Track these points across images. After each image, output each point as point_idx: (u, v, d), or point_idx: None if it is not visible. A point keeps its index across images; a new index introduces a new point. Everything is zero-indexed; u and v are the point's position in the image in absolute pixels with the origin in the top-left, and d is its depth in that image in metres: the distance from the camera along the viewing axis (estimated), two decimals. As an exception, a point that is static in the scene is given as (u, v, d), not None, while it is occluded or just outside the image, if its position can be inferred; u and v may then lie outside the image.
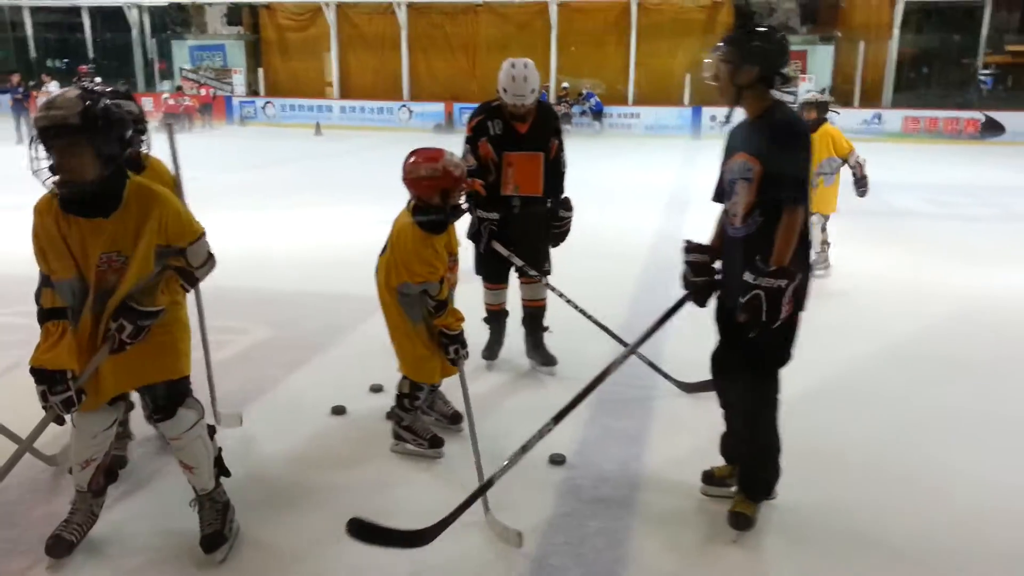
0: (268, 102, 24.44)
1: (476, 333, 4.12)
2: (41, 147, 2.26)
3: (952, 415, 3.84)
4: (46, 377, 2.34)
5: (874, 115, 20.41)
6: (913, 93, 22.70)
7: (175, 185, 3.07)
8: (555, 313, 4.32)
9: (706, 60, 2.77)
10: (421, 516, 2.66)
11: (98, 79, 13.62)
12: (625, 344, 3.94)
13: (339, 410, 3.76)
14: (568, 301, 4.16)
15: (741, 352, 2.72)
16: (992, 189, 12.17)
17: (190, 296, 2.81)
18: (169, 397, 2.58)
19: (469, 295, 3.91)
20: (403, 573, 2.56)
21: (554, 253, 4.31)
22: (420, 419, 3.44)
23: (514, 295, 4.35)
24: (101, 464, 2.63)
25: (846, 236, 7.07)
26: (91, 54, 26.29)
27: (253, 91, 25.45)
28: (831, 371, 4.25)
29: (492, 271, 4.24)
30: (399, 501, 2.99)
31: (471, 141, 4.05)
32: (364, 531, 2.50)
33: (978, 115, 19.96)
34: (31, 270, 2.47)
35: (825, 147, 6.10)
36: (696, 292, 2.82)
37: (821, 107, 6.36)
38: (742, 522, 2.81)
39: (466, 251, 3.54)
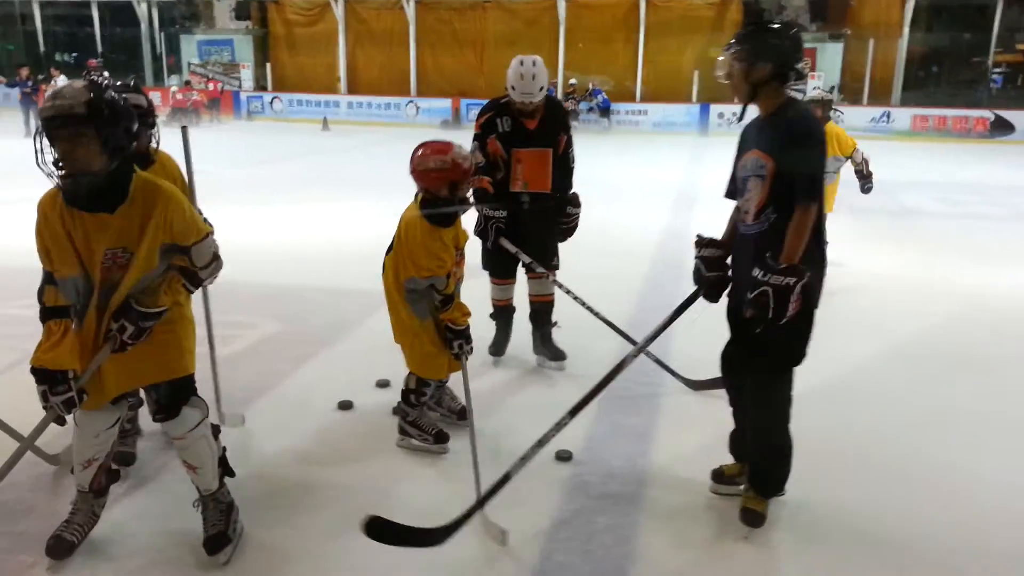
0: (275, 97, 24.46)
1: (483, 328, 4.12)
2: (47, 140, 2.22)
3: (957, 414, 3.82)
4: (47, 377, 2.31)
5: (883, 113, 20.33)
6: (922, 91, 22.58)
7: (186, 186, 3.06)
8: (563, 309, 4.31)
9: (719, 58, 2.74)
10: (425, 512, 2.65)
11: (107, 73, 13.64)
12: (633, 341, 3.93)
13: (346, 405, 3.76)
14: (575, 298, 4.14)
15: (750, 349, 2.70)
16: (1002, 188, 12.10)
17: (197, 291, 2.75)
18: (173, 396, 2.53)
19: (476, 290, 3.90)
20: (410, 571, 2.55)
21: (562, 249, 4.30)
22: (426, 415, 3.44)
23: (521, 290, 4.33)
24: (103, 464, 2.59)
25: (855, 234, 7.04)
26: (100, 48, 26.36)
27: (261, 86, 25.49)
28: (838, 368, 4.22)
29: (499, 266, 4.23)
30: (403, 497, 2.98)
31: (480, 138, 4.03)
32: (380, 530, 2.46)
33: (988, 114, 19.87)
34: (40, 264, 2.44)
35: (829, 146, 6.08)
36: (709, 287, 2.79)
37: (826, 105, 6.35)
38: (753, 519, 2.79)
39: (473, 246, 3.52)
